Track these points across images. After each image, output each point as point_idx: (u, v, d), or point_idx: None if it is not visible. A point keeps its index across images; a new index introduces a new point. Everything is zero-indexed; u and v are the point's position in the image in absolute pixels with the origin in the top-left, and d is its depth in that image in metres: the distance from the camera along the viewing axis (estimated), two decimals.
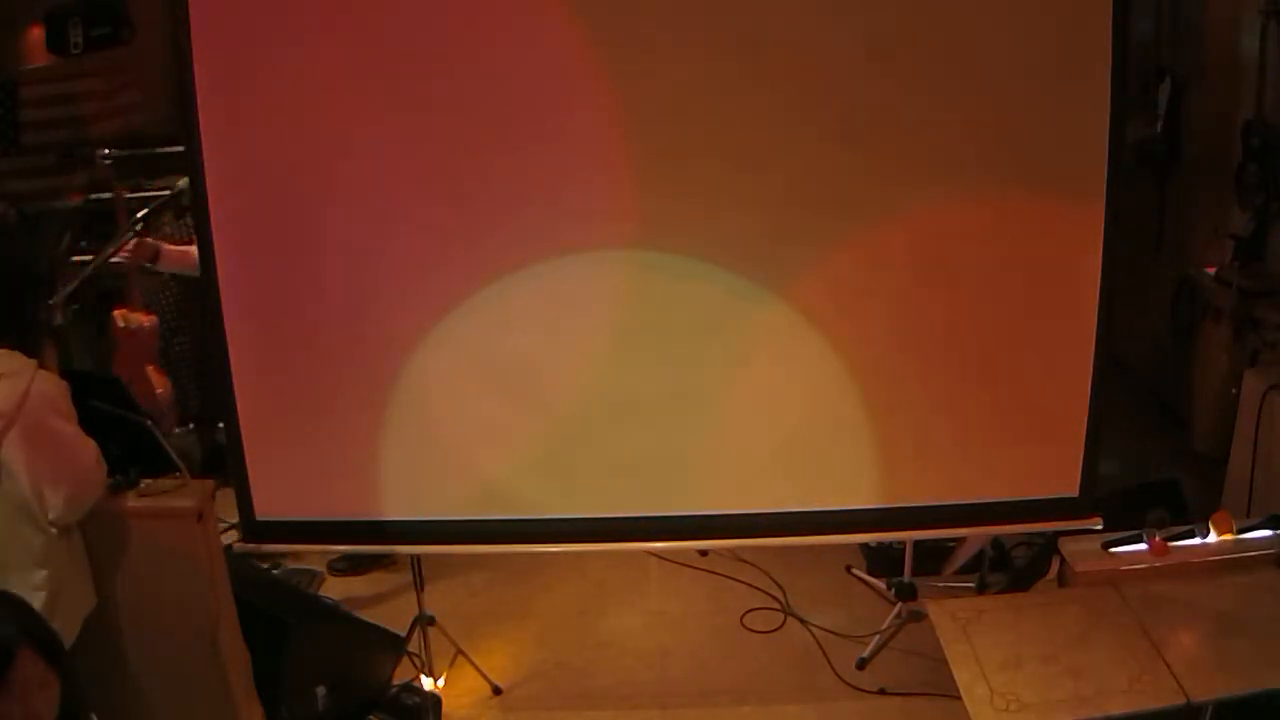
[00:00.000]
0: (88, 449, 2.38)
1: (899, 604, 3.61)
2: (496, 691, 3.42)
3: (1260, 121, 4.10)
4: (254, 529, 3.13)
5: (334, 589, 3.83)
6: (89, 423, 2.42)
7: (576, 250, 2.89)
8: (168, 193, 3.48)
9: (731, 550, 3.97)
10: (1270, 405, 3.55)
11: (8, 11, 5.12)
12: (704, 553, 4.00)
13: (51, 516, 2.30)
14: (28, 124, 5.18)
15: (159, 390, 3.85)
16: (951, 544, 3.77)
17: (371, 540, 3.18)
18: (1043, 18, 2.74)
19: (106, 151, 5.29)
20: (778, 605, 3.80)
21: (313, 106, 2.81)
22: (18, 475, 2.23)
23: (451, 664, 3.47)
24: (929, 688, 3.27)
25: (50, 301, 3.35)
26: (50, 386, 2.28)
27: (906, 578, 3.64)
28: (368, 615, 3.56)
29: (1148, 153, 4.76)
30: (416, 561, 3.37)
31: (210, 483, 2.83)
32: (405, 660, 3.42)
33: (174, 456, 2.85)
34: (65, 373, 2.48)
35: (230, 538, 3.21)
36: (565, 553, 3.72)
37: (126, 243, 3.54)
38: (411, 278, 2.92)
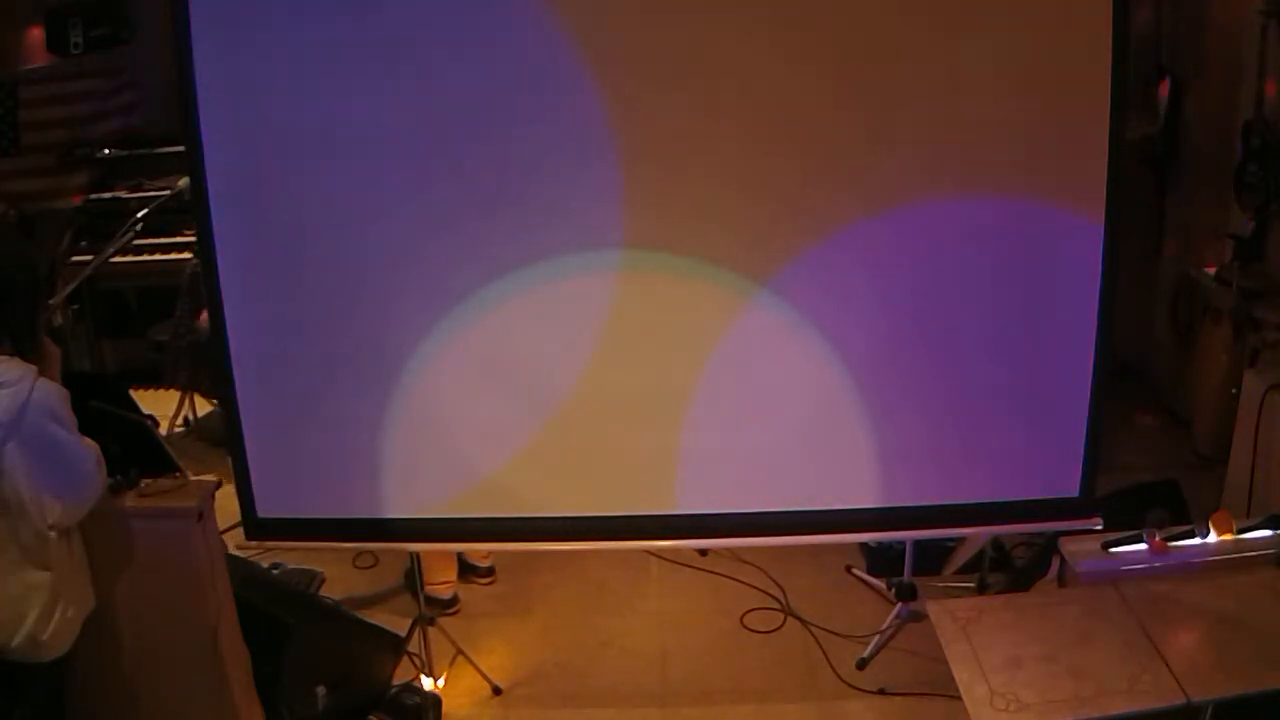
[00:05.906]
0: (88, 454, 2.37)
1: (899, 604, 3.61)
2: (496, 691, 3.42)
3: (1260, 121, 4.09)
4: (256, 525, 3.13)
5: (334, 589, 3.83)
6: (89, 423, 2.41)
7: (577, 248, 2.89)
8: (168, 193, 3.48)
9: (731, 550, 3.97)
10: (1270, 405, 3.55)
11: (8, 11, 5.12)
12: (704, 553, 4.00)
13: (51, 520, 2.29)
14: (28, 124, 5.18)
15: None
16: (951, 544, 3.77)
17: (373, 537, 3.19)
18: (1042, 17, 2.74)
19: (107, 151, 5.33)
20: (778, 605, 3.80)
21: (313, 106, 2.81)
22: (18, 482, 2.22)
23: (451, 664, 3.47)
24: (929, 688, 3.27)
25: (50, 302, 3.35)
26: (50, 394, 2.27)
27: (906, 578, 3.63)
28: (368, 615, 3.56)
29: (1148, 153, 4.76)
30: (416, 560, 3.37)
31: (211, 482, 2.83)
32: (405, 660, 3.43)
33: (173, 456, 2.85)
34: (65, 374, 2.48)
35: (231, 537, 3.22)
36: (565, 551, 3.72)
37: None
38: (412, 275, 2.92)
